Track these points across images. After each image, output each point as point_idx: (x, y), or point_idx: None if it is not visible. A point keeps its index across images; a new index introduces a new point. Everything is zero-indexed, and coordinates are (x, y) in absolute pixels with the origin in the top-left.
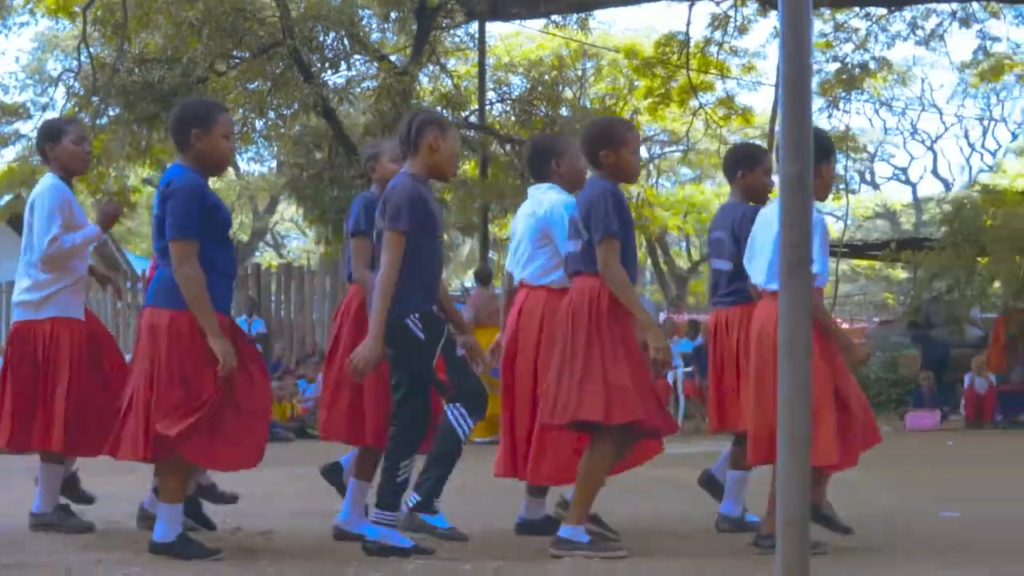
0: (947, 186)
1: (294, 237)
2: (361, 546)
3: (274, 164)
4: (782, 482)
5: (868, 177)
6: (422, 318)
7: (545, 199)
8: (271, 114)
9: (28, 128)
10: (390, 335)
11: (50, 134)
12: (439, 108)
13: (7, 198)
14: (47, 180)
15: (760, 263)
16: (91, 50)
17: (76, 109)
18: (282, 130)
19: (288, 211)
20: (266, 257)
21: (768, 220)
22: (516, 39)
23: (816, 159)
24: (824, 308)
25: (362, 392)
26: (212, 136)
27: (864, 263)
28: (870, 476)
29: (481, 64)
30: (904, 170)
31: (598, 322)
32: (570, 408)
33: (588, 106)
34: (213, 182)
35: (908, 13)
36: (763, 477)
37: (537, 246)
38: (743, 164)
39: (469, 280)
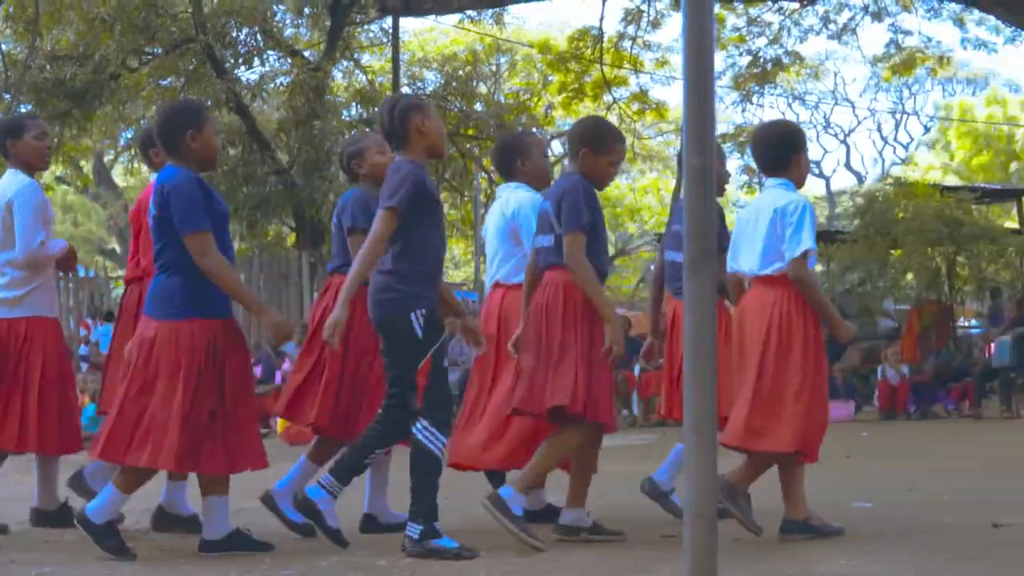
0: (860, 179)
1: None
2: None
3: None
4: (690, 475)
5: (815, 169)
6: (427, 316)
7: (513, 198)
8: None
9: None
10: (390, 325)
11: (11, 130)
12: (353, 104)
13: None
14: (21, 179)
15: (748, 253)
16: (2, 47)
17: None
18: None
19: None
20: None
21: (751, 213)
22: (430, 34)
23: (795, 149)
24: (818, 292)
25: (345, 388)
26: (205, 135)
27: None
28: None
29: (395, 59)
30: (817, 163)
31: (573, 315)
32: (546, 397)
33: (502, 101)
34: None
35: (821, 7)
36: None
37: (510, 246)
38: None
39: None
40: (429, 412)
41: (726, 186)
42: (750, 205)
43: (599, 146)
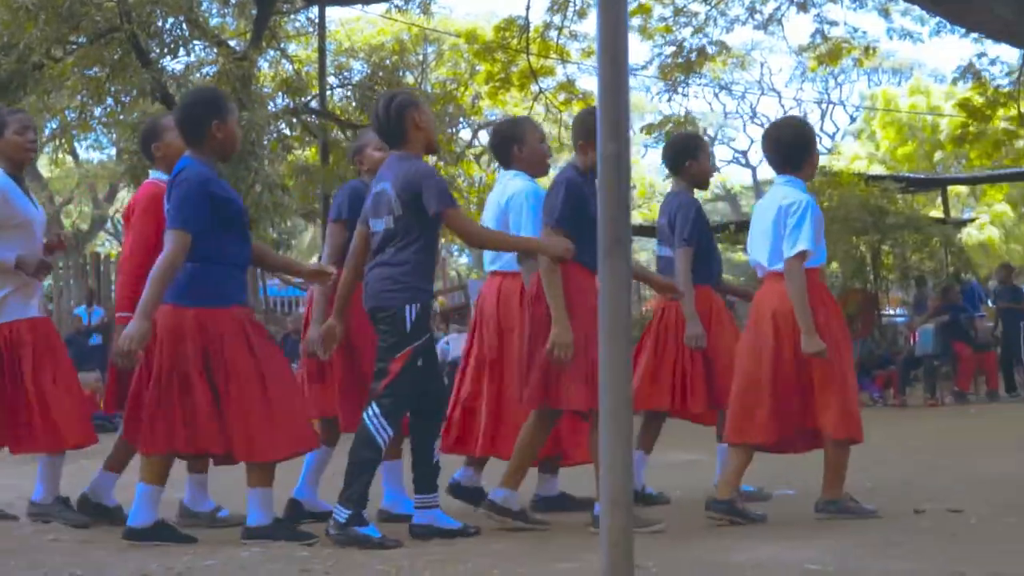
0: None
1: None
2: (408, 529)
3: (113, 151)
4: (605, 462)
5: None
6: (419, 311)
7: (510, 187)
8: (109, 100)
9: None
10: (384, 312)
11: None
12: (279, 94)
13: None
14: None
15: (762, 248)
16: None
17: None
18: (121, 117)
19: (128, 199)
20: (107, 246)
21: (763, 208)
22: (357, 24)
23: (807, 149)
24: (803, 296)
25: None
26: (228, 125)
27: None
28: (708, 456)
29: (321, 49)
30: (744, 153)
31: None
32: (562, 396)
33: (429, 91)
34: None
35: None
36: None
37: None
38: (689, 154)
39: None
40: (386, 400)
41: (709, 179)
42: (763, 200)
43: (594, 138)
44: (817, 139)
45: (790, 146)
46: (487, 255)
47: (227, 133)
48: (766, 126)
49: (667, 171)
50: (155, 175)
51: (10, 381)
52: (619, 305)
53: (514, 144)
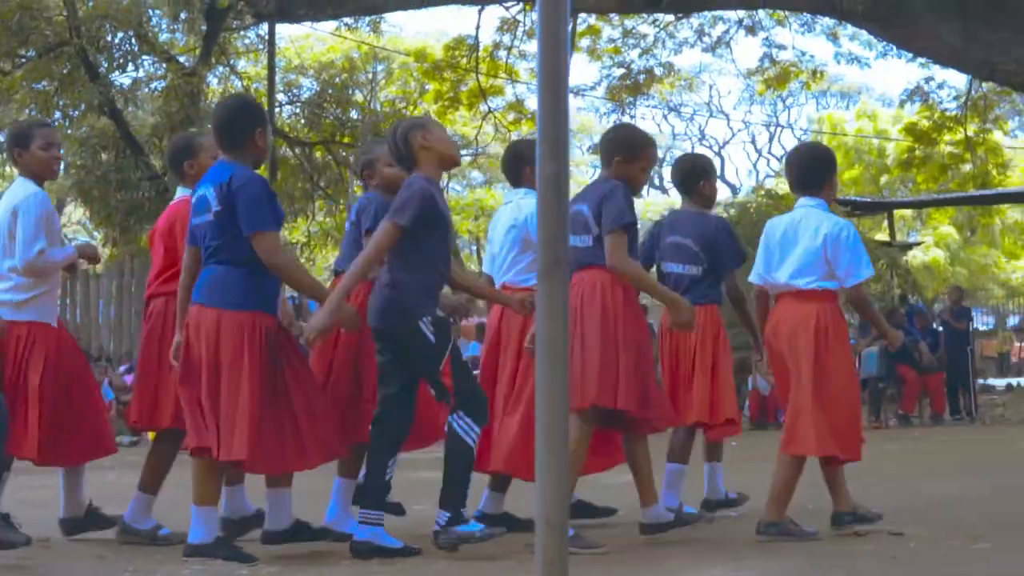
0: (734, 191)
1: (82, 239)
2: (349, 546)
3: (61, 165)
4: (541, 483)
5: (657, 181)
6: (433, 322)
7: (524, 204)
8: (58, 114)
9: None
10: (401, 337)
11: (19, 139)
12: None
13: None
14: (29, 187)
15: (785, 266)
16: None
17: None
18: (68, 131)
19: (75, 213)
20: None
21: (786, 227)
22: (307, 41)
23: (828, 171)
24: (874, 308)
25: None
26: (267, 134)
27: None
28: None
29: (271, 66)
30: None
31: (612, 313)
32: (589, 394)
33: (378, 109)
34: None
35: (695, 20)
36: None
37: (520, 251)
38: (702, 174)
39: None
40: (463, 405)
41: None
42: (783, 220)
43: (632, 152)
44: (833, 162)
45: (812, 168)
46: (497, 268)
47: (265, 141)
48: (788, 152)
49: (679, 191)
50: (185, 191)
51: (11, 382)
52: (557, 325)
53: (527, 165)
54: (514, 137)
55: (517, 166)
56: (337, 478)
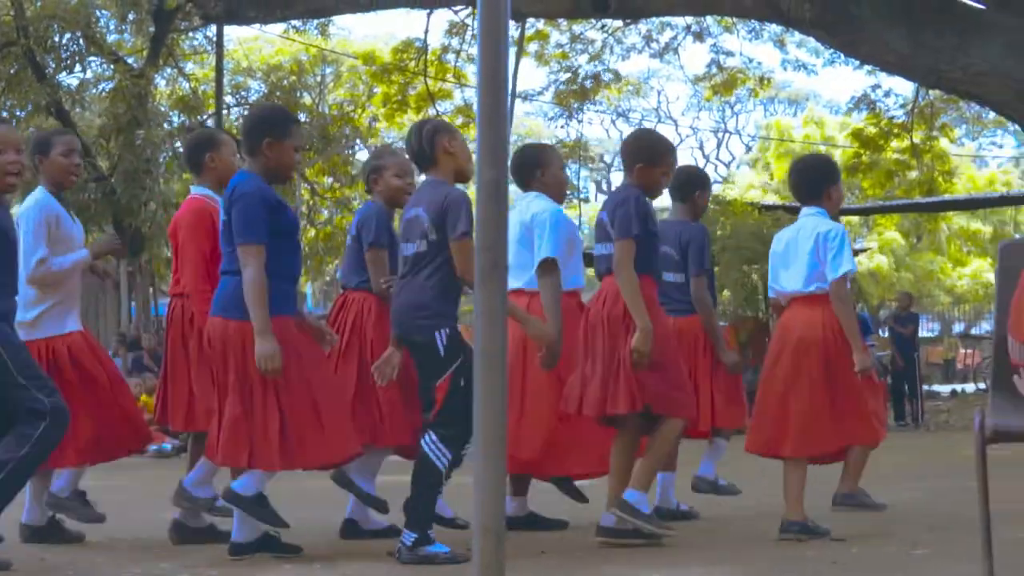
0: None
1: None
2: (397, 557)
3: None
4: (479, 490)
5: (604, 187)
6: (450, 335)
7: (534, 207)
8: (4, 115)
9: None
10: (415, 342)
11: (39, 146)
12: (175, 112)
13: None
14: (35, 195)
15: (792, 274)
16: None
17: None
18: None
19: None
20: None
21: (790, 237)
22: (255, 43)
23: (828, 181)
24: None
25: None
26: (284, 147)
27: None
28: (595, 482)
29: (219, 68)
30: None
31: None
32: (623, 401)
33: (327, 112)
34: None
35: (643, 26)
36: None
37: (530, 254)
38: (700, 184)
39: None
40: (440, 426)
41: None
42: (786, 232)
43: (653, 159)
44: (839, 175)
45: (813, 178)
46: (511, 273)
47: (278, 152)
48: (793, 162)
49: (673, 197)
50: (199, 190)
51: None
52: (495, 330)
53: (538, 168)
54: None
55: (529, 170)
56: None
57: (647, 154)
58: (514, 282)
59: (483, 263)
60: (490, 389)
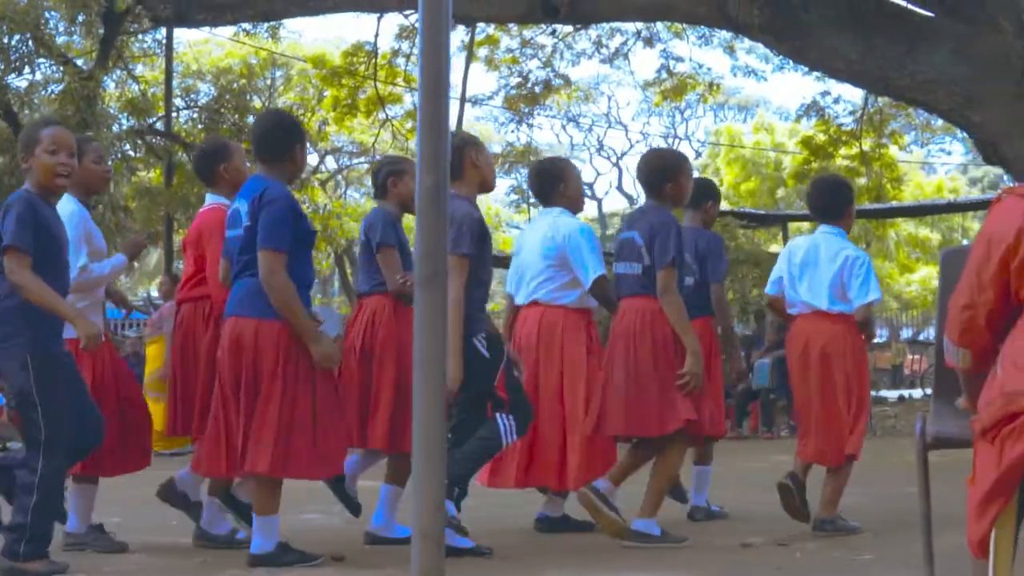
0: (631, 201)
1: None
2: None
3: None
4: (418, 496)
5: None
6: (487, 338)
7: (561, 224)
8: None
9: None
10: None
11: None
12: (124, 114)
13: None
14: (68, 206)
15: (814, 289)
16: None
17: None
18: None
19: None
20: None
21: (809, 252)
22: (205, 46)
23: (848, 202)
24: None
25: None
26: (305, 149)
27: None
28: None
29: (168, 70)
30: (590, 185)
31: (662, 341)
32: (654, 422)
33: None
34: None
35: (594, 31)
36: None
37: (556, 268)
38: (710, 196)
39: (155, 289)
40: (514, 411)
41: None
42: (805, 245)
43: (679, 176)
44: (853, 194)
45: (833, 198)
46: (517, 285)
47: (303, 156)
48: (810, 183)
49: (686, 207)
50: (217, 199)
51: None
52: (434, 338)
53: (561, 183)
54: (413, 145)
55: (551, 185)
56: (384, 485)
57: (674, 172)
58: (529, 295)
59: (423, 270)
60: (428, 395)
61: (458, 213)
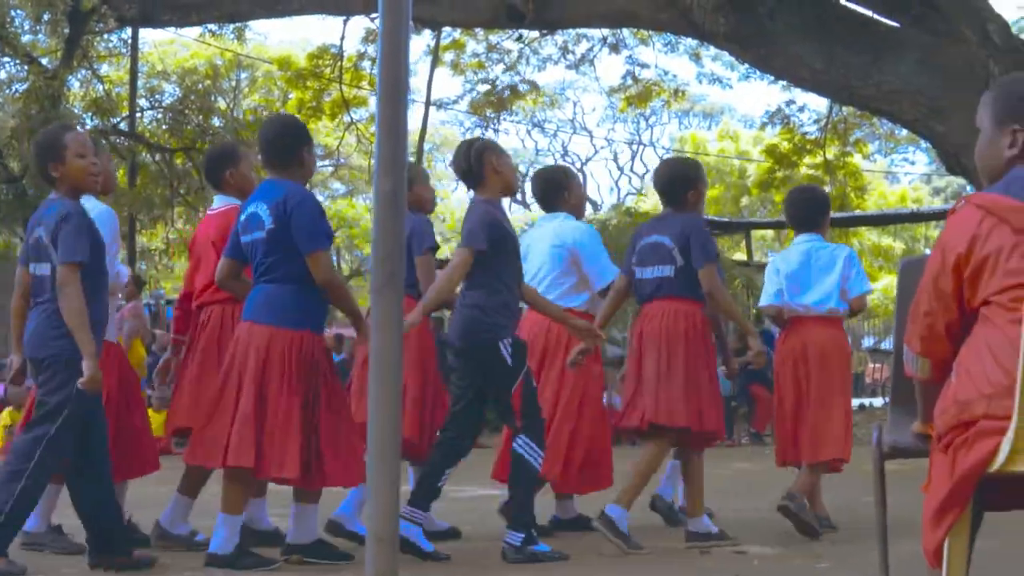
0: (596, 207)
1: None
2: (504, 558)
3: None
4: (372, 500)
5: (519, 196)
6: (513, 344)
7: (568, 228)
8: None
9: None
10: (481, 355)
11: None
12: (89, 114)
13: None
14: (97, 206)
15: (814, 293)
16: None
17: None
18: None
19: None
20: None
21: (801, 259)
22: (171, 47)
23: (825, 212)
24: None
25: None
26: (313, 152)
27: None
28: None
29: (133, 70)
30: None
31: (695, 339)
32: (679, 415)
33: (241, 117)
34: None
35: (560, 37)
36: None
37: (564, 272)
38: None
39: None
40: (528, 429)
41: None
42: (798, 255)
43: (698, 183)
44: (829, 205)
45: (812, 209)
46: (538, 287)
47: (311, 159)
48: (787, 194)
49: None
50: (225, 200)
51: None
52: (391, 341)
53: (565, 190)
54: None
55: (556, 193)
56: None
57: (695, 180)
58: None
59: (379, 274)
60: (384, 398)
61: (475, 212)
